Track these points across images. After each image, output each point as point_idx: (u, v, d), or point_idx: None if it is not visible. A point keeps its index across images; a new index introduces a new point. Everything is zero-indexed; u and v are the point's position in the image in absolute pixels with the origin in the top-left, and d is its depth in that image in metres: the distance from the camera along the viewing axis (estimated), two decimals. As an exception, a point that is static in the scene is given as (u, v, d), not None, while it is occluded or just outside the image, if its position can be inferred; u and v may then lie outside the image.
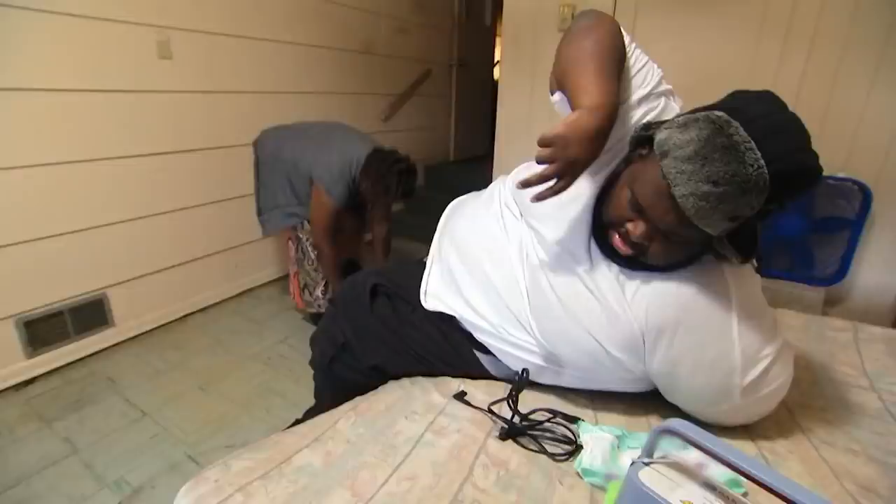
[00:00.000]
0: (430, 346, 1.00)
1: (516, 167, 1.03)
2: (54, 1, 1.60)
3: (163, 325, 2.12)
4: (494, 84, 4.67)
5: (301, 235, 2.00)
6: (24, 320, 1.71)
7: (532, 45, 2.45)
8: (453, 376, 0.99)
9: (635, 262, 0.77)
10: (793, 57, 1.91)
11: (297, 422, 1.35)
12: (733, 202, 0.60)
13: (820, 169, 0.63)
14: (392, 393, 0.94)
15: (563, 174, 0.66)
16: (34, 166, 1.65)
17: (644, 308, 0.77)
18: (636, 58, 0.79)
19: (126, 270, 1.99)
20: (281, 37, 2.38)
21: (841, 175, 1.89)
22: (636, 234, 0.72)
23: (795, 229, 1.98)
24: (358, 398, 0.95)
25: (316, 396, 1.25)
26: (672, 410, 0.87)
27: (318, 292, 2.04)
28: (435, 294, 1.00)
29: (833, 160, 1.90)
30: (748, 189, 0.59)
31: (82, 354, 1.87)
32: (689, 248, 0.73)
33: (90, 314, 1.89)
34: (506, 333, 0.90)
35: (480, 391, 0.94)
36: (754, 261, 0.77)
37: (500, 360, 0.96)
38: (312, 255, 2.00)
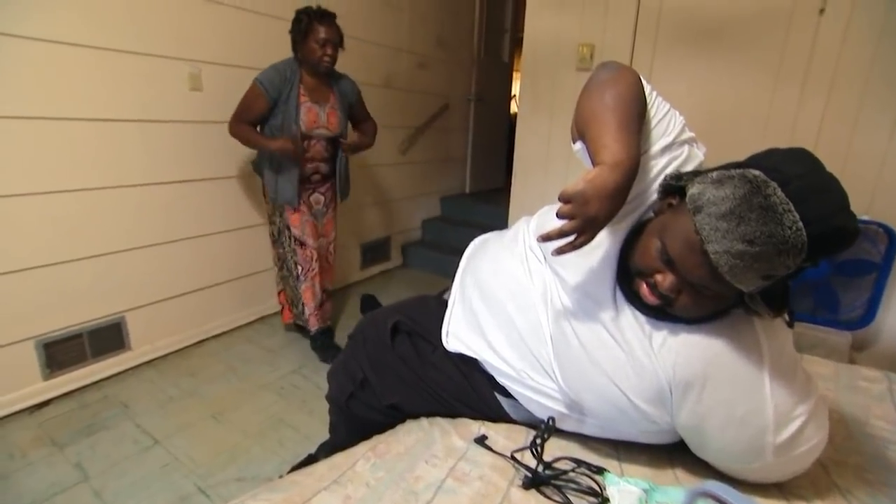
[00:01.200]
0: (449, 387, 0.99)
1: (538, 207, 1.03)
2: (100, 37, 1.69)
3: (177, 351, 2.13)
4: (511, 118, 4.75)
5: (289, 255, 2.07)
6: (43, 342, 1.73)
7: (551, 84, 2.49)
8: (472, 418, 0.97)
9: (662, 312, 0.75)
10: (812, 100, 1.92)
11: (310, 456, 1.34)
12: (768, 262, 0.59)
13: (858, 230, 0.62)
14: (411, 434, 0.92)
15: (582, 230, 0.66)
16: (64, 192, 1.70)
17: (672, 360, 0.74)
18: (657, 107, 0.79)
19: (144, 295, 2.01)
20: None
21: (865, 218, 1.87)
22: (665, 286, 0.70)
23: (818, 272, 1.94)
24: (376, 437, 0.93)
25: (331, 431, 1.23)
26: (699, 465, 0.84)
27: (298, 311, 2.15)
28: (456, 335, 0.99)
29: (856, 203, 1.86)
30: (785, 251, 0.58)
31: (97, 378, 1.87)
32: (719, 302, 0.71)
33: (108, 337, 1.91)
34: (528, 378, 0.88)
35: (501, 435, 0.92)
36: (786, 315, 0.74)
37: (521, 405, 0.94)
38: (296, 272, 2.07)
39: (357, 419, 1.07)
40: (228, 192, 2.25)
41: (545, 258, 0.89)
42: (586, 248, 0.70)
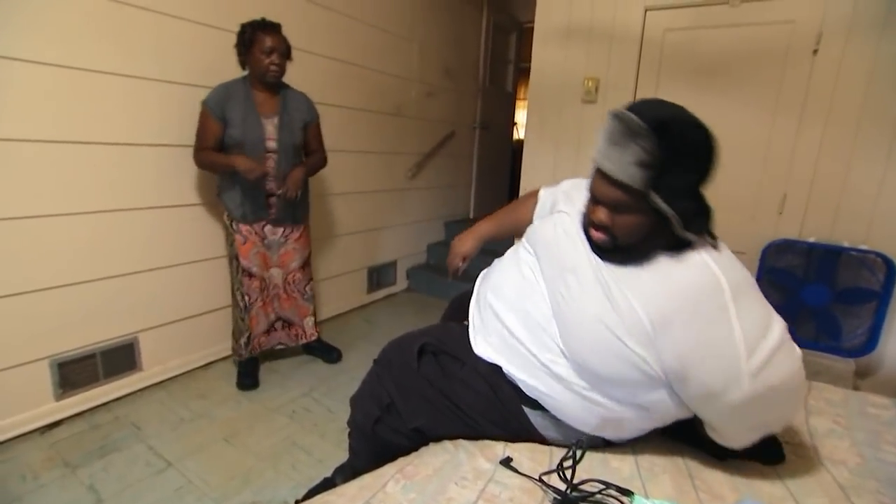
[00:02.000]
0: (477, 403, 1.01)
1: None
2: (125, 65, 1.76)
3: (187, 372, 2.13)
4: (514, 145, 4.87)
5: (235, 283, 2.01)
6: (58, 362, 1.74)
7: (557, 115, 2.58)
8: (498, 439, 0.99)
9: (622, 256, 0.88)
10: (809, 133, 2.01)
11: (326, 480, 1.34)
12: (628, 147, 0.79)
13: (689, 119, 0.83)
14: (437, 456, 0.94)
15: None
16: (82, 214, 1.74)
17: (643, 302, 0.84)
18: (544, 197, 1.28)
19: (156, 316, 2.03)
20: (322, 99, 2.54)
21: (863, 247, 1.93)
22: (599, 217, 0.88)
23: (819, 299, 1.99)
24: (401, 459, 0.95)
25: (351, 455, 1.24)
26: (724, 486, 0.86)
27: (242, 342, 2.03)
28: (481, 336, 1.07)
29: (854, 232, 1.95)
30: (633, 132, 0.79)
31: (109, 398, 1.87)
32: (642, 218, 0.84)
33: (120, 358, 1.92)
34: (541, 357, 0.95)
35: (525, 457, 0.94)
36: (708, 237, 0.89)
37: (548, 417, 0.98)
38: (242, 302, 2.00)
39: (381, 444, 1.08)
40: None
41: (532, 251, 1.07)
42: (570, 232, 0.98)
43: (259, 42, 1.81)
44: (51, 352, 1.72)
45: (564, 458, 0.82)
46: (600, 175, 0.86)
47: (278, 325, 2.17)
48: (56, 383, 1.74)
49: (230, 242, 1.98)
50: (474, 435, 1.01)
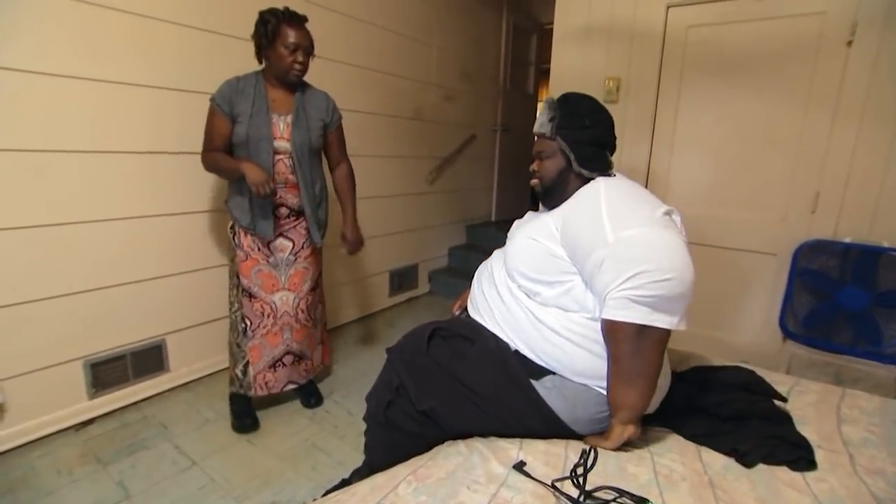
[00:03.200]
0: (485, 381, 1.04)
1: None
2: (151, 76, 1.83)
3: (212, 374, 2.19)
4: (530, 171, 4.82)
5: (233, 304, 1.79)
6: (91, 362, 1.81)
7: (577, 115, 2.55)
8: (510, 428, 1.01)
9: (553, 198, 1.18)
10: (843, 130, 1.92)
11: (344, 481, 1.36)
12: (545, 112, 1.16)
13: (585, 96, 1.19)
14: (450, 459, 0.93)
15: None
16: (113, 220, 1.80)
17: (555, 216, 1.11)
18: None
19: (183, 318, 2.09)
20: (341, 104, 2.57)
21: (904, 248, 1.83)
22: (532, 168, 1.22)
23: (857, 302, 1.90)
24: (415, 460, 0.95)
25: (366, 452, 1.25)
26: (746, 497, 0.82)
27: (238, 370, 1.79)
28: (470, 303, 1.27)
29: (891, 233, 1.86)
30: (548, 103, 1.17)
31: (138, 398, 1.94)
32: (556, 161, 1.16)
33: (149, 359, 1.98)
34: (501, 290, 1.16)
35: (539, 461, 0.92)
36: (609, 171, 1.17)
37: (553, 387, 1.01)
38: (240, 326, 1.77)
39: (395, 431, 1.10)
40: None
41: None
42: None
43: (283, 36, 1.60)
44: (84, 353, 1.79)
45: (578, 465, 0.80)
46: (535, 138, 1.21)
47: (287, 359, 1.84)
48: (89, 383, 1.81)
49: (230, 258, 1.78)
50: (484, 418, 1.02)
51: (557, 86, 2.58)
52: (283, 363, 1.83)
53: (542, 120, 1.17)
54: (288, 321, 1.81)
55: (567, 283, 1.04)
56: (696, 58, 2.21)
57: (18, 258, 1.59)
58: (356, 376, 2.21)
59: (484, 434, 1.03)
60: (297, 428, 1.82)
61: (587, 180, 1.13)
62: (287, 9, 1.64)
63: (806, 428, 1.04)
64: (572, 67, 2.52)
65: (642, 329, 0.92)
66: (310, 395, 1.98)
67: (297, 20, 1.64)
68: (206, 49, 2.00)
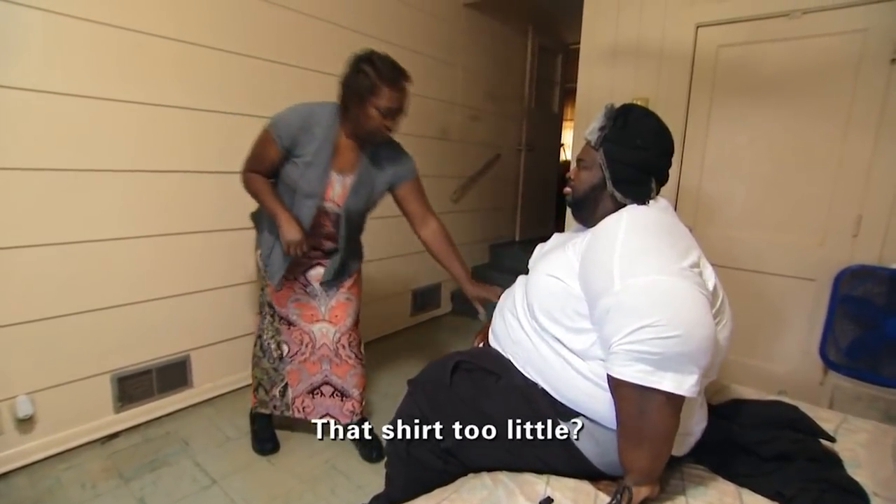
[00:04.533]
0: (509, 416, 0.98)
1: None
2: (193, 99, 1.89)
3: (234, 391, 2.19)
4: (560, 167, 4.80)
5: (267, 331, 1.70)
6: (118, 376, 1.83)
7: (604, 135, 2.52)
8: (535, 467, 0.96)
9: (582, 212, 1.12)
10: (888, 150, 1.84)
11: (363, 508, 1.32)
12: (599, 118, 1.06)
13: (648, 113, 1.06)
14: (475, 493, 0.90)
15: None
16: (146, 237, 1.85)
17: (577, 250, 1.00)
18: None
19: (208, 335, 2.11)
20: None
21: (959, 276, 1.72)
22: (569, 174, 1.15)
23: (907, 331, 1.79)
24: (438, 492, 0.92)
25: (387, 483, 1.22)
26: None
27: (276, 392, 1.72)
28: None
29: (946, 259, 1.75)
30: (607, 110, 1.06)
31: (161, 413, 1.95)
32: (594, 175, 1.06)
33: (173, 374, 2.00)
34: (523, 323, 1.07)
35: (568, 499, 0.88)
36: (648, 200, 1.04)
37: (583, 432, 0.95)
38: (277, 352, 1.69)
39: (416, 467, 1.06)
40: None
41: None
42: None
43: (380, 97, 1.37)
44: (112, 367, 1.82)
45: (610, 504, 0.76)
46: (584, 145, 1.12)
47: (326, 389, 1.73)
48: (116, 396, 1.83)
49: (261, 287, 1.69)
50: (509, 458, 0.98)
51: (584, 105, 2.56)
52: (321, 392, 1.73)
53: (593, 125, 1.06)
54: (326, 353, 1.70)
55: (590, 331, 0.94)
56: (728, 77, 2.17)
57: (54, 273, 1.64)
58: (378, 398, 2.18)
59: (509, 470, 0.98)
60: (317, 449, 1.79)
61: (619, 205, 1.03)
62: (389, 61, 1.40)
63: (858, 472, 0.97)
64: (599, 87, 2.50)
65: (644, 390, 0.82)
66: (371, 449, 1.73)
67: (401, 81, 1.40)
68: (245, 73, 2.06)
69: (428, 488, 1.00)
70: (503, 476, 0.95)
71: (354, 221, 1.62)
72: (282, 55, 2.18)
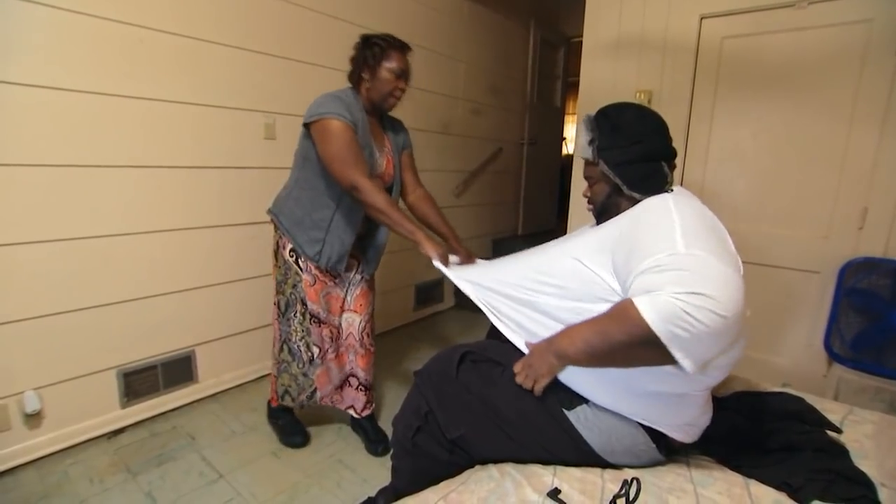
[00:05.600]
0: (516, 408, 0.99)
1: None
2: (195, 94, 1.88)
3: (239, 385, 2.20)
4: (563, 160, 4.79)
5: (296, 333, 1.64)
6: (123, 372, 1.84)
7: (607, 128, 2.51)
8: (542, 458, 0.97)
9: (600, 215, 1.12)
10: (894, 141, 1.83)
11: (370, 500, 1.33)
12: (583, 132, 1.08)
13: (625, 106, 1.07)
14: (481, 484, 0.90)
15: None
16: (151, 232, 1.85)
17: (602, 231, 1.02)
18: None
19: (213, 330, 2.11)
20: (370, 120, 2.61)
21: (964, 267, 1.72)
22: (584, 194, 1.17)
23: (913, 323, 1.78)
24: (446, 485, 0.92)
25: (393, 476, 1.22)
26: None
27: (304, 396, 1.69)
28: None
29: (952, 251, 1.75)
30: (586, 121, 1.08)
31: (167, 408, 1.96)
32: (604, 185, 1.08)
33: (179, 370, 2.01)
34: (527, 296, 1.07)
35: (575, 490, 0.88)
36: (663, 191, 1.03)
37: (587, 419, 0.96)
38: (307, 355, 1.65)
39: (423, 458, 1.07)
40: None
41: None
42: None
43: (391, 60, 1.53)
44: (118, 362, 1.83)
45: (618, 496, 0.76)
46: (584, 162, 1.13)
47: (352, 381, 1.75)
48: (122, 392, 1.84)
49: (292, 283, 1.61)
50: (515, 447, 0.98)
51: (587, 99, 2.55)
52: (349, 383, 1.76)
53: (580, 143, 1.07)
54: (352, 343, 1.73)
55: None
56: (732, 69, 2.15)
57: (60, 269, 1.64)
58: (382, 392, 2.19)
59: (515, 461, 0.99)
60: (323, 443, 1.80)
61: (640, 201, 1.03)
62: (393, 36, 1.58)
63: (865, 462, 0.97)
64: (602, 80, 2.49)
65: (648, 336, 0.77)
66: (377, 442, 1.75)
67: (405, 47, 1.58)
68: (251, 68, 2.06)
69: (434, 480, 1.01)
70: (510, 468, 0.95)
71: (396, 194, 1.68)
72: (285, 50, 2.18)
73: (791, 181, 2.06)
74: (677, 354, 0.77)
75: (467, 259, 1.57)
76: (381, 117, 1.66)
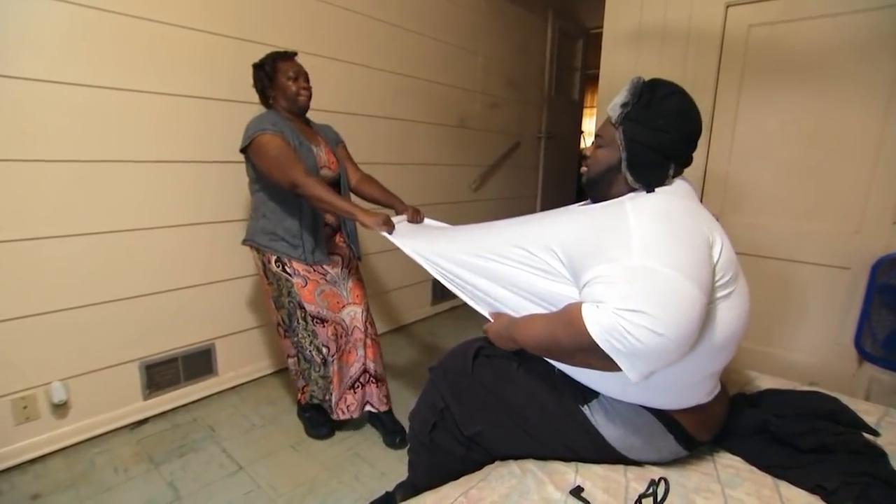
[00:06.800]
0: (533, 404, 0.98)
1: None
2: (207, 88, 1.90)
3: (258, 378, 2.22)
4: (581, 154, 4.72)
5: (305, 340, 1.67)
6: (146, 364, 1.87)
7: (628, 120, 2.46)
8: (560, 455, 0.96)
9: (594, 192, 1.08)
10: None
11: (388, 494, 1.33)
12: (623, 92, 0.99)
13: (676, 90, 0.99)
14: (503, 481, 0.89)
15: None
16: (170, 227, 1.87)
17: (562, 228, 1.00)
18: None
19: (233, 323, 2.13)
20: (387, 113, 2.60)
21: None
22: (586, 151, 1.09)
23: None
24: (466, 480, 0.91)
25: (410, 470, 1.22)
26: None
27: (327, 397, 1.72)
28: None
29: None
30: (632, 84, 0.98)
31: (188, 400, 1.99)
32: (610, 154, 1.00)
33: (199, 362, 2.04)
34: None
35: (599, 488, 0.86)
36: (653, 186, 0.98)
37: (604, 414, 0.95)
38: (319, 357, 1.67)
39: (439, 453, 1.07)
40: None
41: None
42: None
43: (282, 70, 1.67)
44: (140, 355, 1.86)
45: (645, 495, 0.74)
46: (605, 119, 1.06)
47: (364, 378, 1.74)
48: (144, 384, 1.87)
49: (285, 291, 1.65)
50: (532, 444, 0.97)
51: (607, 90, 2.50)
52: (360, 383, 1.73)
53: (616, 100, 0.99)
54: (360, 337, 1.73)
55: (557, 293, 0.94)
56: (758, 59, 2.08)
57: (84, 263, 1.67)
58: (398, 388, 2.18)
59: (534, 458, 0.98)
60: (340, 437, 1.81)
61: (632, 189, 0.99)
62: (276, 51, 1.73)
63: (903, 465, 0.93)
64: (622, 72, 2.43)
65: (593, 347, 0.79)
66: (395, 434, 1.75)
67: (289, 55, 1.71)
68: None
69: (451, 476, 1.00)
70: (531, 465, 0.94)
71: (344, 181, 1.80)
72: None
73: (820, 174, 1.99)
74: (622, 365, 0.79)
75: (414, 216, 1.67)
76: (307, 122, 1.78)
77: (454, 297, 2.22)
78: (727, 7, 2.11)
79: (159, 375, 1.92)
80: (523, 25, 3.58)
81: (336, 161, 1.78)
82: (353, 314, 1.74)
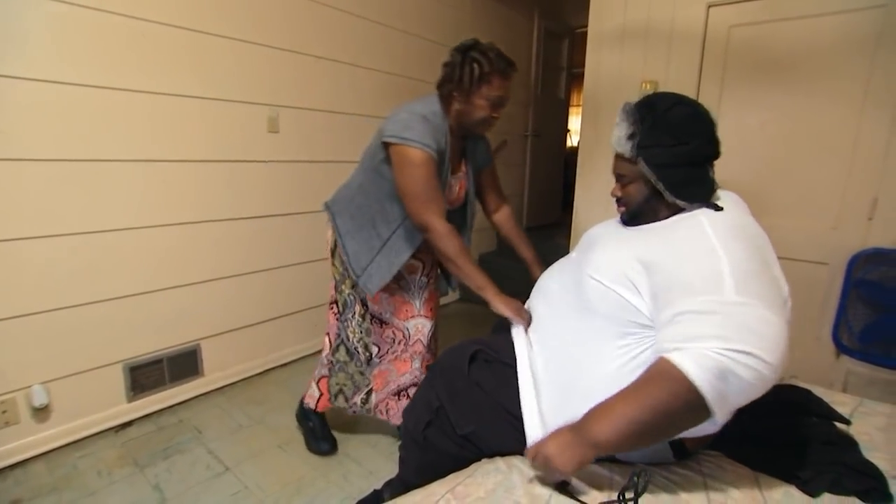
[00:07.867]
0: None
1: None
2: (202, 88, 1.87)
3: (245, 379, 2.21)
4: (567, 152, 4.76)
5: (354, 334, 1.58)
6: (130, 366, 1.85)
7: (612, 121, 2.47)
8: None
9: (631, 218, 1.03)
10: (906, 130, 1.80)
11: (375, 492, 1.34)
12: (622, 124, 0.96)
13: (676, 99, 0.94)
14: (489, 476, 0.90)
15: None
16: (159, 227, 1.85)
17: (635, 250, 0.92)
18: None
19: (219, 324, 2.12)
20: (374, 112, 2.59)
21: (976, 257, 1.69)
22: (614, 193, 1.05)
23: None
24: (453, 477, 0.92)
25: (401, 466, 1.22)
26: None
27: (359, 398, 1.61)
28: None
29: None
30: (626, 112, 0.96)
31: (173, 402, 1.97)
32: (640, 186, 0.98)
33: (184, 363, 2.02)
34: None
35: (583, 481, 0.88)
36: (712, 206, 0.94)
37: None
38: (365, 355, 1.58)
39: (431, 451, 1.07)
40: (301, 226, 2.36)
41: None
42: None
43: (491, 86, 1.33)
44: (124, 356, 1.83)
45: (625, 488, 0.75)
46: (614, 156, 1.02)
47: (412, 391, 1.57)
48: (128, 386, 1.85)
49: (350, 284, 1.54)
50: (522, 440, 0.97)
51: (592, 91, 2.53)
52: (407, 395, 1.58)
53: (618, 134, 0.95)
54: (420, 350, 1.58)
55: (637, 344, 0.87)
56: (739, 59, 2.12)
57: (66, 264, 1.64)
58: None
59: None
60: (328, 436, 1.81)
61: (681, 210, 0.94)
62: (496, 49, 1.36)
63: (875, 455, 0.96)
64: (607, 71, 2.46)
65: (693, 397, 0.73)
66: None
67: (510, 70, 1.36)
68: (254, 61, 2.06)
69: (441, 473, 1.00)
70: (517, 461, 0.95)
71: (474, 210, 1.62)
72: (289, 42, 2.16)
73: (799, 171, 2.04)
74: (718, 408, 0.74)
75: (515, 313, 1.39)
76: (464, 137, 1.49)
77: (441, 294, 2.21)
78: (709, 7, 2.15)
79: (144, 377, 1.90)
80: (509, 24, 3.59)
81: (464, 194, 1.54)
82: (420, 326, 1.58)
